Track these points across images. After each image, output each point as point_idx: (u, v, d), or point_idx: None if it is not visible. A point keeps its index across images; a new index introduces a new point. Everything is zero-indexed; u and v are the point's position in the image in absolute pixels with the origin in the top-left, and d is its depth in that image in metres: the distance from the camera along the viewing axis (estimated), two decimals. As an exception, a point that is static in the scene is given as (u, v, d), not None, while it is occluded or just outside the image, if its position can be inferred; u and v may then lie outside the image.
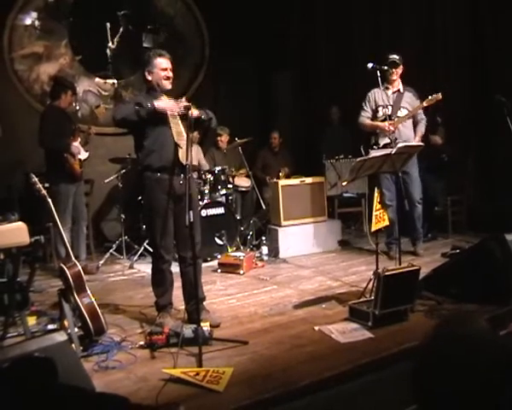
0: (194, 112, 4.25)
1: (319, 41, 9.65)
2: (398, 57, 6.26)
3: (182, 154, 4.26)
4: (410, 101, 6.38)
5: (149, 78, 4.42)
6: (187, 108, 4.07)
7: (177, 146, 4.26)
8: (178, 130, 4.33)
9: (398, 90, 6.40)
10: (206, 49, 9.52)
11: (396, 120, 6.25)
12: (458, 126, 7.51)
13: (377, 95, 6.42)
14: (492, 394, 1.25)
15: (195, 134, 7.70)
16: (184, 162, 4.18)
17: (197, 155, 7.70)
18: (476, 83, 7.45)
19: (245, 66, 9.57)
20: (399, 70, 6.33)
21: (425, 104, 6.12)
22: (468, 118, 7.54)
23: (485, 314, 4.01)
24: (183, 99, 4.36)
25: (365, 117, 6.46)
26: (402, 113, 6.34)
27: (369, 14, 8.82)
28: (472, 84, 7.51)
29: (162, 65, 4.37)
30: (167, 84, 4.40)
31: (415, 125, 6.47)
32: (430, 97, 6.06)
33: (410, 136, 6.32)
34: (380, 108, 6.41)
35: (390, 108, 6.34)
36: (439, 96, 6.00)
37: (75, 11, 8.38)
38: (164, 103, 4.27)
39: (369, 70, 5.67)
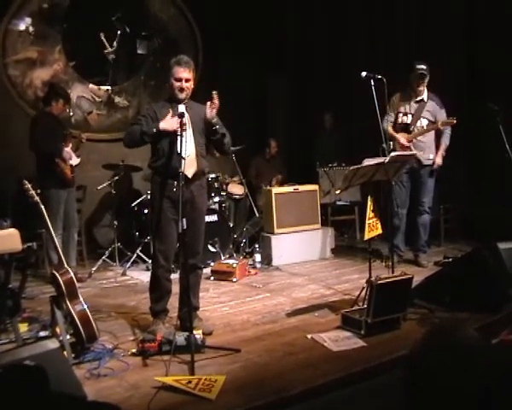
0: (213, 116, 4.30)
1: (314, 47, 9.68)
2: (425, 68, 6.21)
3: (184, 163, 4.24)
4: (432, 110, 6.34)
5: (168, 85, 4.40)
6: (181, 116, 4.06)
7: (180, 157, 4.24)
8: (185, 140, 4.30)
9: (422, 100, 6.38)
10: (200, 54, 9.52)
11: (412, 133, 6.29)
12: (451, 135, 7.54)
13: (399, 100, 6.43)
14: (482, 401, 1.26)
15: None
16: (187, 174, 4.19)
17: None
18: (469, 91, 7.49)
19: (239, 71, 9.56)
20: (426, 80, 6.32)
21: (440, 127, 6.19)
22: (460, 126, 7.56)
23: (476, 323, 4.02)
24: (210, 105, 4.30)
25: (389, 122, 6.38)
26: (422, 122, 6.33)
27: (365, 19, 8.86)
28: (465, 93, 7.55)
29: (177, 74, 4.30)
30: (179, 95, 4.33)
31: (438, 135, 6.45)
32: (445, 120, 6.15)
33: (427, 146, 6.34)
34: (400, 115, 6.42)
35: (410, 116, 6.35)
36: (454, 120, 6.08)
37: (69, 17, 8.37)
38: (167, 124, 4.22)
39: (363, 79, 5.67)
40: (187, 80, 4.34)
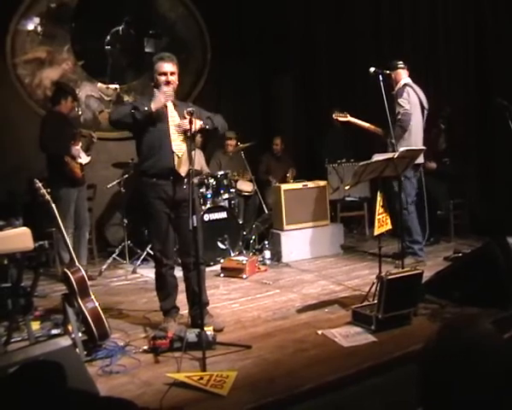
0: (197, 123, 4.22)
1: (320, 44, 9.67)
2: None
3: (178, 162, 4.24)
4: (396, 103, 6.32)
5: (152, 83, 4.39)
6: (190, 113, 4.04)
7: (173, 154, 4.25)
8: (179, 138, 4.31)
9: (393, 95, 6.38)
10: (208, 53, 9.55)
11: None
12: (460, 130, 7.53)
13: None
14: (498, 396, 1.26)
15: (197, 138, 7.67)
16: (180, 172, 4.19)
17: (199, 161, 7.71)
18: (478, 87, 7.46)
19: (246, 70, 9.58)
20: (393, 75, 6.30)
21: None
22: (470, 121, 7.56)
23: (488, 317, 4.01)
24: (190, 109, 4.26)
25: None
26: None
27: (371, 16, 8.82)
28: (474, 88, 7.52)
29: (161, 69, 4.28)
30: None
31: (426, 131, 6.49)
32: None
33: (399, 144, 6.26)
34: None
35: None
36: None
37: (77, 16, 8.41)
38: (158, 101, 4.21)
39: (371, 75, 5.66)
40: (172, 74, 4.32)
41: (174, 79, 4.34)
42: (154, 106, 4.20)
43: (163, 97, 4.22)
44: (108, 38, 8.80)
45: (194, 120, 4.07)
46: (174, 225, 4.41)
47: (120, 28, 8.90)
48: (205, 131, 4.52)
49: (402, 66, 6.38)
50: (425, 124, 6.49)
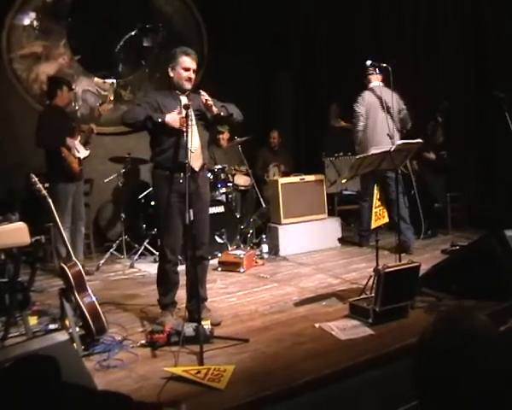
0: (219, 109, 4.26)
1: (320, 40, 9.64)
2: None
3: (192, 157, 4.23)
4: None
5: (171, 74, 4.38)
6: (186, 108, 4.06)
7: (187, 149, 4.25)
8: (192, 132, 4.30)
9: None
10: (205, 48, 9.51)
11: None
12: (459, 123, 7.52)
13: None
14: (493, 388, 1.26)
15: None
16: (194, 166, 4.19)
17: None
18: (477, 80, 7.45)
19: (245, 65, 9.53)
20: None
21: None
22: (468, 114, 7.55)
23: (485, 310, 4.02)
24: (203, 92, 4.33)
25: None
26: None
27: (370, 12, 8.79)
28: (473, 82, 7.51)
29: (186, 64, 4.32)
30: (187, 85, 4.35)
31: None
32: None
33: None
34: None
35: None
36: None
37: (73, 11, 8.37)
38: (172, 118, 4.21)
39: (368, 68, 5.67)
40: (194, 71, 4.38)
41: (193, 76, 4.41)
42: (168, 120, 4.21)
43: (179, 124, 4.22)
44: (122, 43, 8.79)
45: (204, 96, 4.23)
46: (183, 219, 4.39)
47: (133, 33, 8.90)
48: (221, 120, 4.58)
49: (370, 72, 6.54)
50: (400, 123, 6.53)
